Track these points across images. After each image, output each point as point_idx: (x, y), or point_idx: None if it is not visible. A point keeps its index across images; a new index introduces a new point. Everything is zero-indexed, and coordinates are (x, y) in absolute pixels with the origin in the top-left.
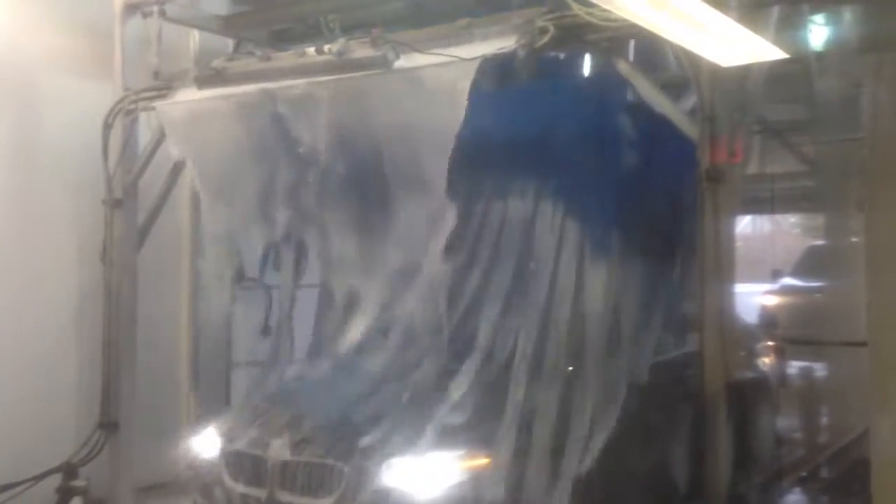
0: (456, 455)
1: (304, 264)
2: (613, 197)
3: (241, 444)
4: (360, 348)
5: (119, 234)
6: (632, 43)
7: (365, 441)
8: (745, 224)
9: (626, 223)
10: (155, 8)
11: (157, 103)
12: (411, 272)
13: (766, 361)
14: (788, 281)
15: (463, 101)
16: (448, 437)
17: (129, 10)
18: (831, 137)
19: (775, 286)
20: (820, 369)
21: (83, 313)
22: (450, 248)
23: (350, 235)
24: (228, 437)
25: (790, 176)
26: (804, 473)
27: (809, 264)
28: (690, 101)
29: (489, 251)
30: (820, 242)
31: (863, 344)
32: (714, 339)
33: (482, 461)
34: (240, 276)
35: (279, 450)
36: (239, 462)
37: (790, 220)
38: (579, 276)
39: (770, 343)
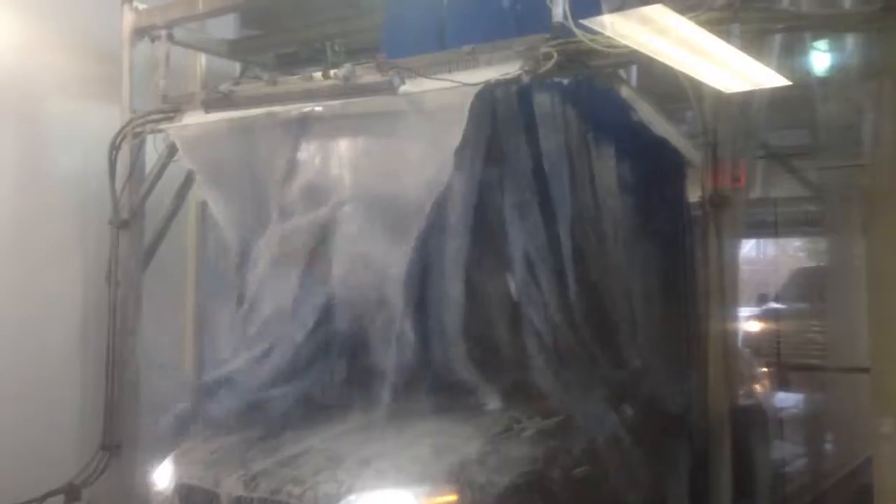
0: (423, 491)
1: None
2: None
3: (193, 478)
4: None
5: (125, 255)
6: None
7: (325, 476)
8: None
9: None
10: (163, 32)
11: (165, 126)
12: (408, 292)
13: (758, 388)
14: (774, 305)
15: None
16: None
17: (138, 33)
18: (834, 163)
19: (758, 311)
20: (811, 396)
21: (87, 333)
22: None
23: (355, 256)
24: (184, 468)
25: (793, 201)
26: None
27: (795, 288)
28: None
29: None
30: (808, 265)
31: (865, 370)
32: (718, 364)
33: (449, 498)
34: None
35: (232, 485)
36: (191, 496)
37: (794, 244)
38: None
39: (763, 369)
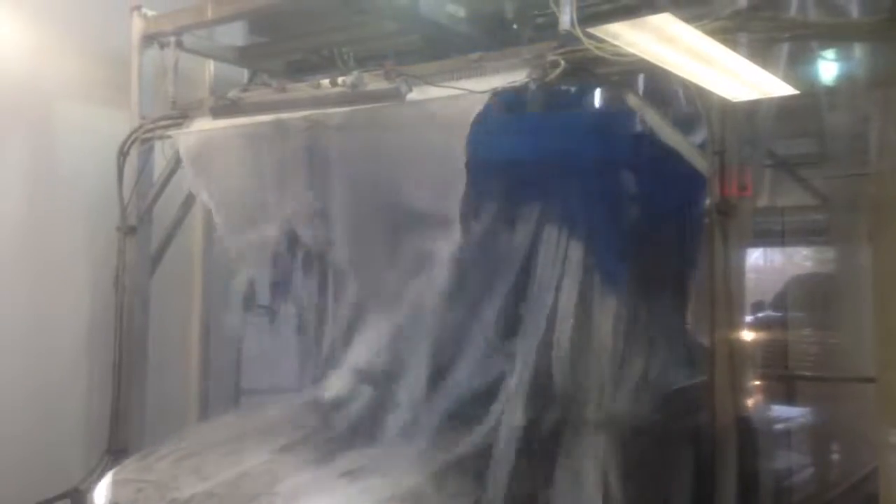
0: None
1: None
2: (621, 230)
3: (126, 500)
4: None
5: (132, 261)
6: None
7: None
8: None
9: (633, 255)
10: (172, 39)
11: (173, 132)
12: (416, 302)
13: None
14: (769, 313)
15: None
16: None
17: (147, 40)
18: (841, 172)
19: (751, 319)
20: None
21: (94, 338)
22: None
23: (362, 264)
24: (117, 490)
25: (800, 209)
26: None
27: (791, 296)
28: (701, 134)
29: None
30: (802, 273)
31: (870, 379)
32: (724, 374)
33: None
34: (251, 304)
35: None
36: None
37: (802, 253)
38: (586, 308)
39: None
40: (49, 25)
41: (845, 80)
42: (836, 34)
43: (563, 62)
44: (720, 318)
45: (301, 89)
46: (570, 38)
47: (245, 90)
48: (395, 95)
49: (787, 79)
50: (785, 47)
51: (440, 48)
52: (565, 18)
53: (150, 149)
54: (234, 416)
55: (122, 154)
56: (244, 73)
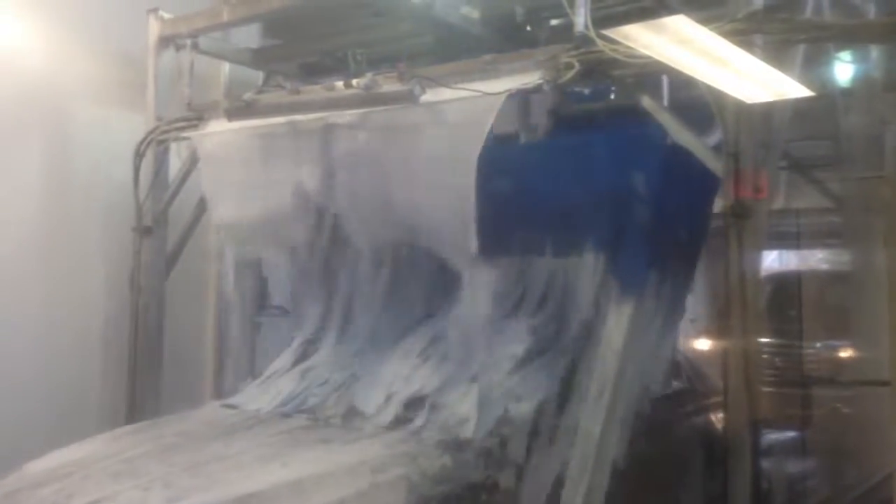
0: None
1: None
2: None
3: None
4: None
5: (147, 261)
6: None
7: None
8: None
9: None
10: (188, 41)
11: (189, 133)
12: (432, 306)
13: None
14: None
15: (485, 133)
16: None
17: (163, 42)
18: (857, 174)
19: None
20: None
21: (109, 339)
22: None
23: (374, 267)
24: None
25: (815, 212)
26: None
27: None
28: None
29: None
30: (779, 271)
31: (885, 383)
32: (738, 378)
33: None
34: (265, 304)
35: None
36: None
37: (818, 256)
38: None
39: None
40: (66, 27)
41: (861, 82)
42: (852, 36)
43: (576, 64)
44: (735, 322)
45: (315, 91)
46: (584, 39)
47: (260, 92)
48: (409, 97)
49: (803, 80)
50: (801, 49)
51: (453, 50)
52: (580, 20)
53: (166, 150)
54: (133, 431)
55: (139, 155)
56: (259, 76)
